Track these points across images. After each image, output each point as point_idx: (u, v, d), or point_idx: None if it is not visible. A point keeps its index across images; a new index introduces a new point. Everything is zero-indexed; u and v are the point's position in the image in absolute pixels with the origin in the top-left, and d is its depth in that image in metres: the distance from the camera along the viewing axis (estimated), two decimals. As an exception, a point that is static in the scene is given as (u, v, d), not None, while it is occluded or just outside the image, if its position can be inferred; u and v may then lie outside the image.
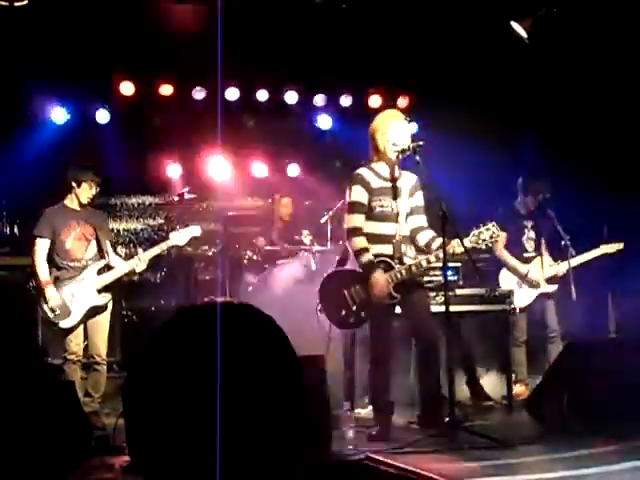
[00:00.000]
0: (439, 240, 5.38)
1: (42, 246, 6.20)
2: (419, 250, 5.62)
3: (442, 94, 9.05)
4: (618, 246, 7.30)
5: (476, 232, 5.31)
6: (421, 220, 5.67)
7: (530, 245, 7.32)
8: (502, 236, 7.24)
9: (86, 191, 6.27)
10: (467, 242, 5.27)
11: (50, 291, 6.09)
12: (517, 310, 7.02)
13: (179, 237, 6.49)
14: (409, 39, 8.65)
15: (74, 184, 6.26)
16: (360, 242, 5.48)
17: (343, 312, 5.49)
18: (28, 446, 4.22)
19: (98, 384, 6.21)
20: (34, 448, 4.23)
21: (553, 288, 7.22)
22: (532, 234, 7.34)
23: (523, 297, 7.15)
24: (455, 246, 5.26)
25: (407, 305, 5.53)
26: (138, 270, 6.42)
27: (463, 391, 6.85)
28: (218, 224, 9.71)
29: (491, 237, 5.30)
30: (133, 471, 4.05)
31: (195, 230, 6.57)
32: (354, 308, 5.46)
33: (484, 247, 5.35)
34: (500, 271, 7.26)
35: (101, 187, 6.36)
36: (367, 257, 5.42)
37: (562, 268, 7.12)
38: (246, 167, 10.00)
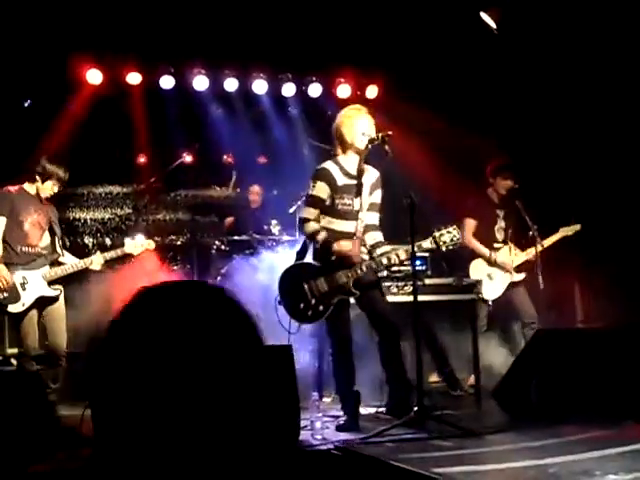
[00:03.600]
0: (385, 247, 5.51)
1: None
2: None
3: (412, 82, 9.06)
4: (576, 227, 7.32)
5: (437, 234, 5.31)
6: (374, 218, 5.70)
7: (500, 235, 7.38)
8: (471, 225, 7.29)
9: (48, 189, 6.13)
10: (427, 243, 5.31)
11: (1, 270, 5.92)
12: (490, 302, 7.08)
13: (133, 246, 6.50)
14: (378, 28, 8.62)
15: (38, 177, 6.11)
16: (312, 226, 5.53)
17: (301, 305, 5.47)
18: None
19: (58, 376, 6.10)
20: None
21: (521, 277, 7.28)
22: (503, 223, 7.39)
23: (493, 289, 7.19)
24: (400, 254, 5.33)
25: (363, 300, 5.56)
26: (92, 268, 6.33)
27: (432, 380, 6.87)
28: (186, 213, 9.66)
29: (452, 240, 5.30)
30: (99, 460, 4.00)
31: (150, 244, 6.65)
32: (313, 302, 5.43)
33: (444, 249, 5.33)
34: (471, 262, 7.29)
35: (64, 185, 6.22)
36: (322, 235, 5.47)
37: (529, 255, 7.17)
38: (214, 156, 9.94)
